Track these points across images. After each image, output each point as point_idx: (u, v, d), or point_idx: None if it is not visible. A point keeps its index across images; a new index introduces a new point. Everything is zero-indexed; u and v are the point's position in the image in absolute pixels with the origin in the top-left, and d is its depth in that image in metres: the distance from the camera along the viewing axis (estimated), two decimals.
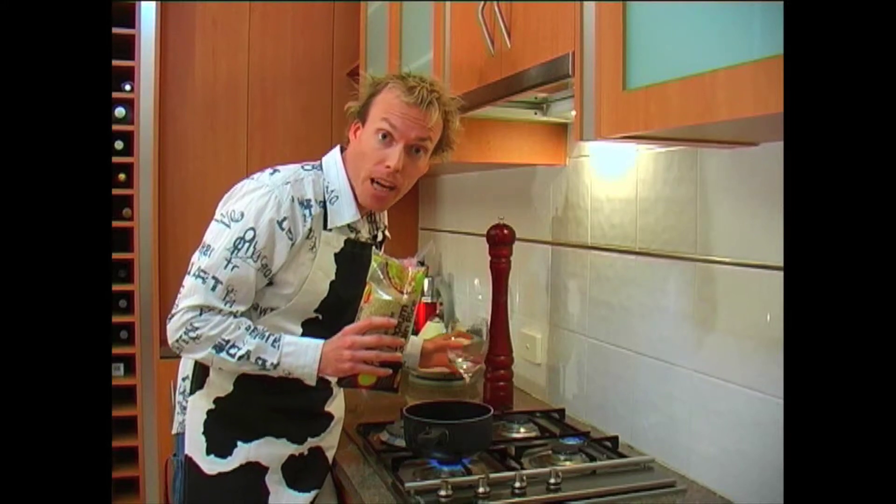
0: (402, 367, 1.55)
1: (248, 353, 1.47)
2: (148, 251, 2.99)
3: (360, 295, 1.49)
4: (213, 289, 1.48)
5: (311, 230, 1.54)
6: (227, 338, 1.47)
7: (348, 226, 1.60)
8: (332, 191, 1.58)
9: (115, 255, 2.91)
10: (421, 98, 1.51)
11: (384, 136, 1.53)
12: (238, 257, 1.48)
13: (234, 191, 1.58)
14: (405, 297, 1.50)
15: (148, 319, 2.99)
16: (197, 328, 1.47)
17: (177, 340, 1.50)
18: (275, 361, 1.47)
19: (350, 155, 1.60)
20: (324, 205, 1.57)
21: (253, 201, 1.51)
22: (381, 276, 1.50)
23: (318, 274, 1.55)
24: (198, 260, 1.51)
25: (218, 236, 1.51)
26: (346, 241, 1.59)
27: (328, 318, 1.57)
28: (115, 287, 2.95)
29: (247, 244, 1.49)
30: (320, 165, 1.62)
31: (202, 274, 1.49)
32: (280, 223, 1.50)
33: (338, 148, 1.65)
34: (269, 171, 1.57)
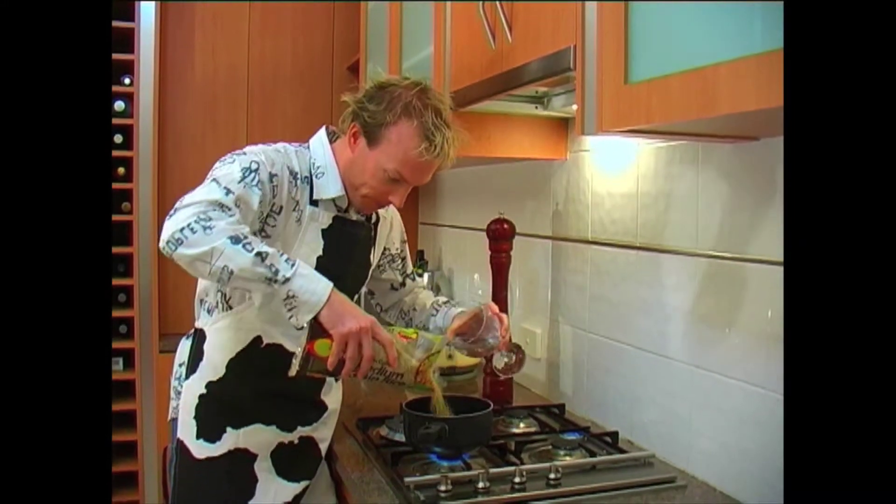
0: (336, 380, 1.54)
1: (265, 254, 1.37)
2: (147, 245, 2.99)
3: (351, 272, 1.48)
4: (227, 195, 1.44)
5: (297, 202, 1.56)
6: (244, 233, 1.39)
7: (335, 204, 1.61)
8: (318, 167, 1.59)
9: (115, 250, 2.91)
10: (439, 153, 1.51)
11: (393, 180, 1.54)
12: (246, 182, 1.47)
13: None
14: (409, 375, 1.55)
15: (147, 314, 2.99)
16: (212, 218, 1.38)
17: (182, 229, 1.36)
18: (287, 275, 1.37)
19: (347, 161, 1.59)
20: (310, 180, 1.58)
21: (250, 150, 1.54)
22: (426, 349, 1.55)
23: (304, 249, 1.56)
24: (207, 178, 1.49)
25: (224, 166, 1.50)
26: (335, 218, 1.60)
27: None
28: (115, 281, 2.95)
29: (252, 173, 1.49)
30: (307, 146, 1.64)
31: (216, 181, 1.46)
32: (271, 176, 1.51)
33: (324, 129, 1.66)
34: (260, 145, 1.59)
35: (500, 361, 1.80)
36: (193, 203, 1.40)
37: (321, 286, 1.39)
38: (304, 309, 1.39)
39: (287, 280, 1.37)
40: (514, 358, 1.78)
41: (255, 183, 1.48)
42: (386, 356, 1.46)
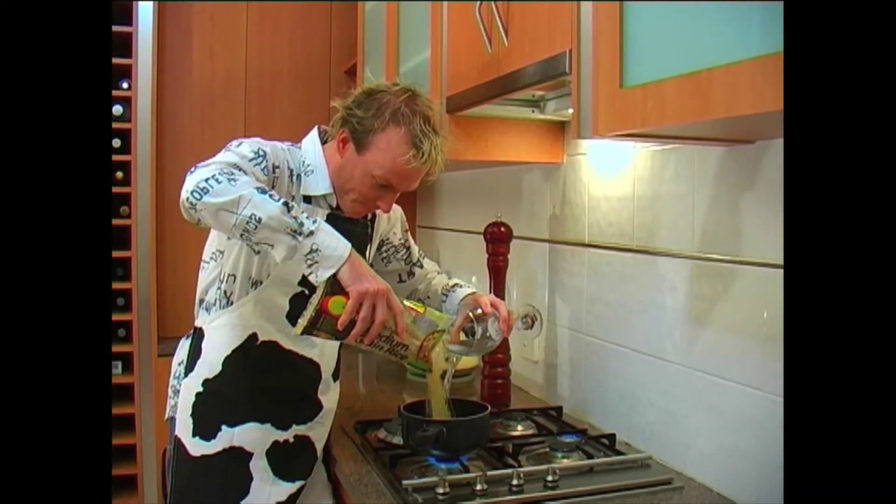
0: (340, 340, 1.50)
1: (291, 207, 1.37)
2: (146, 249, 2.99)
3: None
4: (244, 163, 1.46)
5: (293, 197, 1.58)
6: (268, 189, 1.40)
7: (326, 202, 1.62)
8: (307, 164, 1.61)
9: (113, 254, 2.91)
10: (426, 160, 1.51)
11: (381, 186, 1.55)
12: (255, 162, 1.49)
13: None
14: (413, 349, 1.54)
15: (146, 317, 2.99)
16: (235, 173, 1.39)
17: (207, 179, 1.36)
18: (311, 229, 1.36)
19: (336, 165, 1.60)
20: (299, 177, 1.60)
21: (252, 140, 1.54)
22: (430, 326, 1.55)
23: None
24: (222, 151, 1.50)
25: (233, 147, 1.50)
26: (329, 216, 1.60)
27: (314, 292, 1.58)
28: (113, 285, 2.95)
29: (261, 158, 1.50)
30: (299, 145, 1.65)
31: (231, 151, 1.48)
32: (274, 167, 1.53)
33: (316, 129, 1.67)
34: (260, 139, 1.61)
35: (520, 333, 1.79)
36: (213, 163, 1.42)
37: (342, 243, 1.39)
38: (325, 264, 1.37)
39: (311, 233, 1.36)
40: (529, 322, 1.78)
41: (262, 167, 1.50)
42: (395, 325, 1.46)
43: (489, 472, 1.51)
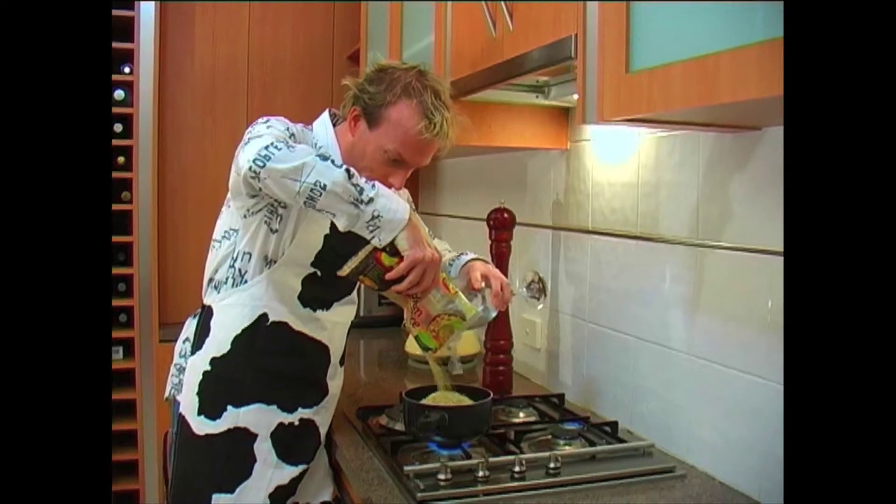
0: (380, 291, 1.54)
1: (352, 173, 1.39)
2: (147, 234, 2.99)
3: (359, 251, 1.48)
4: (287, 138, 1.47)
5: None
6: (326, 155, 1.42)
7: None
8: (320, 146, 1.60)
9: (114, 239, 2.91)
10: (438, 132, 1.52)
11: (394, 161, 1.55)
12: (292, 140, 1.49)
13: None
14: (426, 319, 1.54)
15: (147, 302, 2.99)
16: (289, 141, 1.42)
17: (267, 147, 1.37)
18: (371, 195, 1.39)
19: (348, 144, 1.61)
20: None
21: (276, 118, 1.54)
22: (453, 311, 1.55)
23: (312, 226, 1.57)
24: (255, 129, 1.49)
25: (263, 125, 1.50)
26: None
27: (327, 274, 1.58)
28: (114, 270, 2.95)
29: (291, 136, 1.51)
30: (311, 127, 1.65)
31: (269, 128, 1.48)
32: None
33: (327, 112, 1.67)
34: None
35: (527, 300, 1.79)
36: (264, 135, 1.42)
37: (402, 206, 1.42)
38: (387, 228, 1.41)
39: (371, 200, 1.39)
40: (536, 290, 1.78)
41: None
42: (426, 289, 1.49)
43: (491, 459, 1.51)
